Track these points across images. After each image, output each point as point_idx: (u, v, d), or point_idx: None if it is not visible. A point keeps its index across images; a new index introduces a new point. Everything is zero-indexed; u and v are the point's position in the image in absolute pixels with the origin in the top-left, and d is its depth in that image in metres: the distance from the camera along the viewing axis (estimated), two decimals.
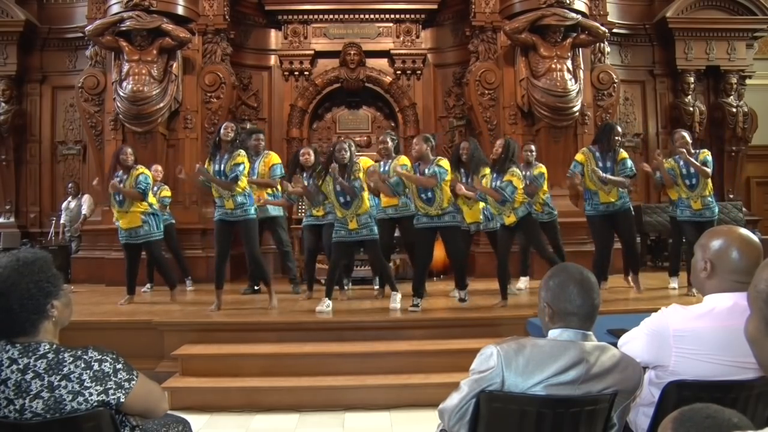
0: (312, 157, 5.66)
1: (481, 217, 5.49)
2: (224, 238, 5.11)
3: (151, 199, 5.68)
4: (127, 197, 5.44)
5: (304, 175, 5.59)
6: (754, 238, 1.71)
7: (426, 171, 4.96)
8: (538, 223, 5.43)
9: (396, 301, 4.97)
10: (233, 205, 5.03)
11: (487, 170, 5.27)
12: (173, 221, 6.52)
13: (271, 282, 5.30)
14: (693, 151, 5.35)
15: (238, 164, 4.97)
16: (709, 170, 5.27)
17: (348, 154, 4.97)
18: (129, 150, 5.57)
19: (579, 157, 5.56)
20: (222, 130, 5.09)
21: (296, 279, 6.25)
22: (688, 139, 5.37)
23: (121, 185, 5.39)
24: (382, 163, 5.60)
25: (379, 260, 5.22)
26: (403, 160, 5.43)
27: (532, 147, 6.07)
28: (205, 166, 5.07)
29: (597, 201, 5.41)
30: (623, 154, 5.39)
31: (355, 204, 4.95)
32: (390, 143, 5.56)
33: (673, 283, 5.78)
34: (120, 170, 5.49)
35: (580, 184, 5.53)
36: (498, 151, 5.15)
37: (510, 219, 5.08)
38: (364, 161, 5.60)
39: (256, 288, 6.14)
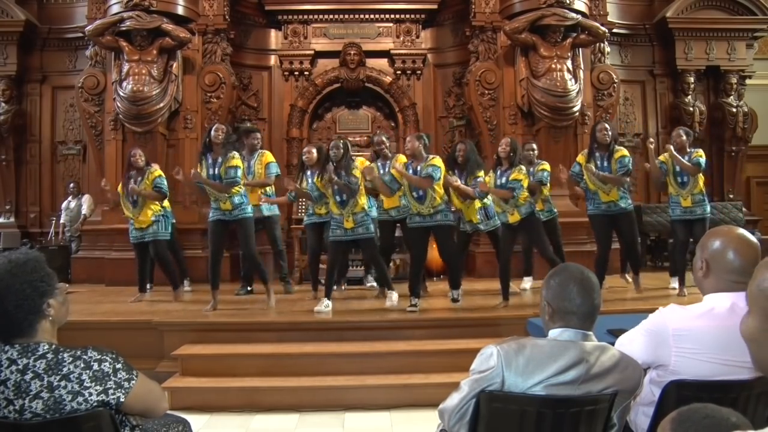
0: (314, 155, 5.65)
1: (478, 216, 5.46)
2: (219, 238, 5.11)
3: (166, 203, 5.75)
4: (147, 199, 5.55)
5: (308, 173, 5.58)
6: (752, 238, 1.71)
7: (419, 169, 4.94)
8: (541, 222, 5.42)
9: (392, 299, 4.96)
10: (231, 206, 5.02)
11: (481, 173, 5.32)
12: (174, 221, 6.50)
13: (269, 281, 5.28)
14: (689, 150, 5.37)
15: (234, 167, 4.96)
16: (692, 166, 5.25)
17: (341, 151, 4.98)
18: (139, 152, 5.67)
19: (579, 157, 5.60)
20: (213, 132, 5.05)
21: (288, 278, 6.20)
22: (685, 137, 5.38)
23: (138, 186, 5.50)
24: (380, 163, 5.60)
25: (375, 259, 5.21)
26: (402, 158, 5.41)
27: (534, 145, 6.10)
28: (197, 168, 5.04)
29: (598, 200, 5.40)
30: (622, 151, 5.29)
31: (351, 202, 4.96)
32: (388, 142, 5.65)
33: (674, 284, 5.80)
34: (133, 171, 5.59)
35: (580, 186, 5.54)
36: (506, 149, 5.15)
37: (514, 217, 5.10)
38: (361, 161, 5.59)
39: (249, 288, 6.08)
